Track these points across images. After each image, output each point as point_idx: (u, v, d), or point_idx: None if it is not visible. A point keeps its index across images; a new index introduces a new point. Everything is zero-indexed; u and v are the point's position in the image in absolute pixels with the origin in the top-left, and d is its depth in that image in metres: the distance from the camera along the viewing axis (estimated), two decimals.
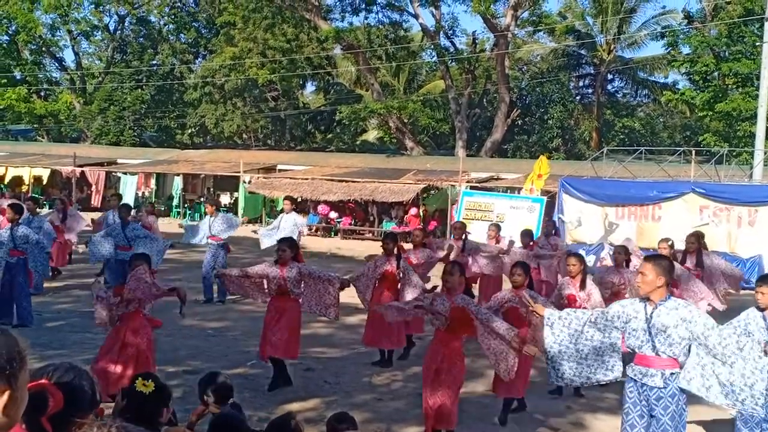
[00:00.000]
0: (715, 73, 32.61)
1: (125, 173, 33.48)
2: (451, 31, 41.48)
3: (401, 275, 9.96)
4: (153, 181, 33.53)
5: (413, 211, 27.91)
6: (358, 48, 37.78)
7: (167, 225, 25.77)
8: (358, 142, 46.58)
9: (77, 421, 2.20)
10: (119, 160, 35.99)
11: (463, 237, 12.29)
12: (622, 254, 10.26)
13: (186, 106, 45.87)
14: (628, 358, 5.74)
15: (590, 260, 19.17)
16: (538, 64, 46.50)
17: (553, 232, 14.49)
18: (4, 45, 45.16)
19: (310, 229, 28.65)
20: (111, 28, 47.77)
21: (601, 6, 40.65)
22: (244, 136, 47.54)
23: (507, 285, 10.25)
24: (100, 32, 47.75)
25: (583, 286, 8.65)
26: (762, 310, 6.54)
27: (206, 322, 12.25)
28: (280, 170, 32.72)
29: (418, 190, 27.74)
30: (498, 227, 13.37)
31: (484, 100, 44.83)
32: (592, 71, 43.64)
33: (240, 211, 30.46)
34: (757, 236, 18.70)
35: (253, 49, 41.30)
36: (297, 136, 47.96)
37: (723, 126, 33.15)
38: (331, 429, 4.93)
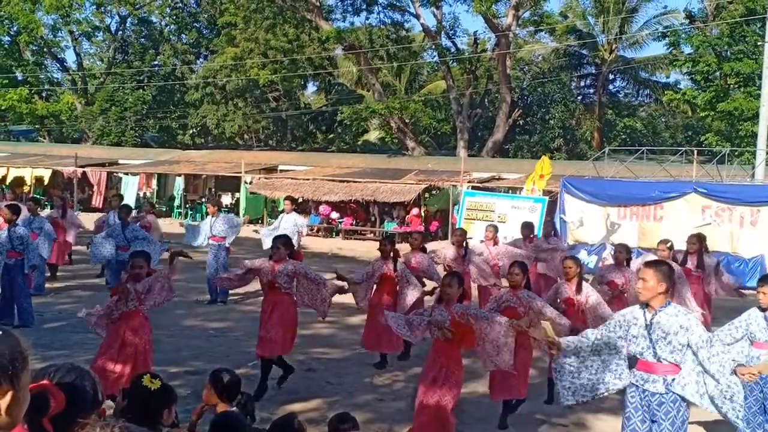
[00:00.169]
0: (717, 73, 32.59)
1: (127, 174, 33.49)
2: (452, 31, 41.50)
3: (399, 278, 9.97)
4: (154, 182, 33.53)
5: (415, 211, 27.89)
6: (359, 48, 37.78)
7: (168, 225, 25.78)
8: (359, 143, 46.59)
9: (80, 421, 2.20)
10: (121, 161, 35.99)
11: (464, 244, 12.24)
12: (623, 253, 10.25)
13: (187, 106, 45.88)
14: (630, 363, 5.73)
15: (592, 260, 19.20)
16: (539, 63, 46.49)
17: (553, 233, 14.47)
18: (6, 46, 45.18)
19: (311, 230, 28.64)
20: (112, 28, 47.82)
21: (603, 6, 40.63)
22: (246, 136, 47.56)
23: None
24: (101, 33, 47.74)
25: (579, 289, 8.60)
26: (764, 310, 6.53)
27: (208, 323, 12.26)
28: (281, 171, 32.71)
29: (419, 190, 27.73)
30: (495, 228, 13.31)
31: (486, 100, 44.82)
32: (594, 71, 43.63)
33: (241, 212, 30.45)
34: (759, 236, 18.68)
35: (254, 49, 41.30)
36: (298, 136, 47.96)
37: (725, 126, 33.13)
38: (333, 429, 4.92)
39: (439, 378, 6.71)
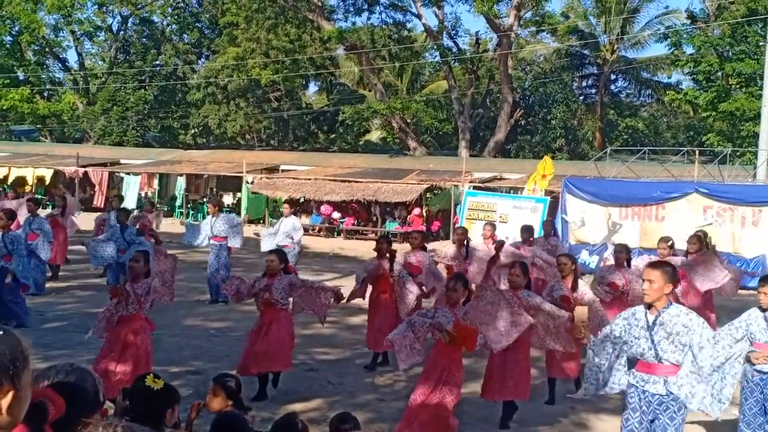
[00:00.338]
0: (719, 73, 32.55)
1: (128, 173, 33.51)
2: (454, 31, 41.49)
3: (396, 279, 9.97)
4: (156, 182, 33.55)
5: (416, 211, 27.89)
6: (361, 48, 37.79)
7: (170, 225, 25.80)
8: (361, 143, 46.58)
9: (83, 421, 2.21)
10: (122, 161, 36.01)
11: (466, 243, 12.22)
12: (624, 253, 10.24)
13: (189, 106, 45.90)
14: (629, 364, 5.72)
15: (594, 261, 19.19)
16: (541, 64, 46.47)
17: (552, 233, 14.47)
18: (8, 45, 45.18)
19: (312, 229, 28.67)
20: (114, 28, 47.80)
21: (604, 6, 40.61)
22: (247, 136, 47.56)
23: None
24: (103, 33, 47.76)
25: (575, 286, 8.62)
26: (764, 310, 6.52)
27: (209, 323, 12.27)
28: (283, 170, 32.71)
29: (421, 190, 27.72)
30: (493, 226, 13.30)
31: (487, 100, 44.79)
32: (596, 71, 43.61)
33: (243, 212, 30.46)
34: (761, 236, 18.66)
35: (256, 49, 41.30)
36: (300, 136, 47.96)
37: (726, 126, 33.10)
38: (334, 429, 4.92)
39: (441, 379, 6.71)
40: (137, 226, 14.74)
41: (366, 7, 39.61)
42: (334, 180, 29.28)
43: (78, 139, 45.96)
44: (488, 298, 6.96)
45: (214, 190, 36.35)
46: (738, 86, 32.01)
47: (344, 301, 9.52)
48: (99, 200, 31.92)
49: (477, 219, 21.64)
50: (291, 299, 8.74)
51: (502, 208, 22.12)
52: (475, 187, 25.50)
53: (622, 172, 22.99)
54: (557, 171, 23.35)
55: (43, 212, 16.82)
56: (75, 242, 17.54)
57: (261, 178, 30.99)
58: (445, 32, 39.65)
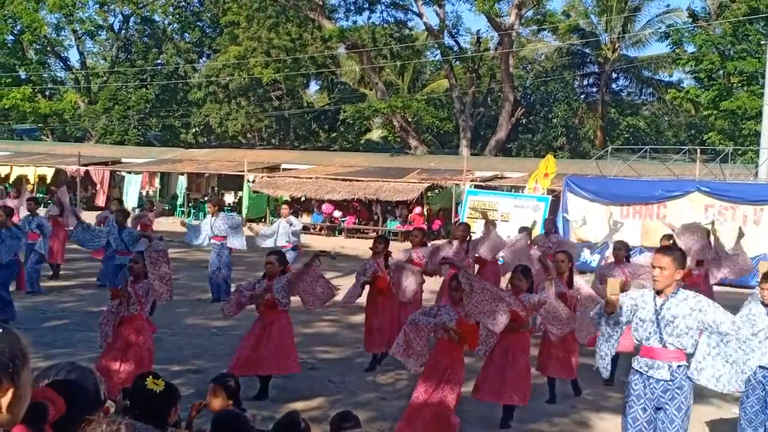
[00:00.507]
0: (720, 72, 32.54)
1: (129, 172, 33.53)
2: (455, 30, 41.54)
3: (392, 271, 9.97)
4: (157, 181, 33.57)
5: (417, 210, 27.89)
6: (362, 47, 37.78)
7: (171, 224, 25.82)
8: (362, 141, 46.59)
9: (86, 418, 2.21)
10: (123, 160, 36.03)
11: (467, 239, 12.23)
12: (623, 250, 10.25)
13: (190, 105, 45.92)
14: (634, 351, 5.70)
15: (595, 259, 19.18)
16: (542, 62, 46.45)
17: (554, 231, 14.47)
18: (9, 45, 45.22)
19: (314, 228, 28.67)
20: (115, 27, 47.84)
21: (606, 4, 40.59)
22: (249, 135, 47.58)
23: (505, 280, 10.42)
24: (104, 32, 47.81)
25: (570, 283, 8.65)
26: (766, 305, 6.51)
27: (210, 321, 12.26)
28: (284, 169, 32.73)
29: (422, 189, 27.72)
30: (494, 224, 13.35)
31: (489, 98, 44.78)
32: (597, 70, 43.60)
33: (244, 211, 30.48)
34: (762, 235, 18.66)
35: (257, 48, 41.31)
36: (301, 135, 47.97)
37: (728, 124, 33.09)
38: (335, 428, 4.92)
39: (443, 378, 6.70)
40: (138, 227, 14.71)
41: (367, 5, 39.63)
42: (335, 179, 29.28)
43: (79, 138, 46.00)
44: (476, 290, 6.92)
45: (216, 189, 36.38)
46: (739, 85, 32.00)
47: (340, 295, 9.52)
48: (100, 199, 31.93)
49: (478, 218, 21.63)
50: (291, 298, 8.70)
51: (503, 206, 22.13)
52: (476, 186, 25.51)
53: (624, 170, 22.99)
54: (558, 170, 23.37)
55: (42, 211, 16.79)
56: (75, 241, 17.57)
57: (262, 177, 31.00)
58: (446, 31, 39.66)
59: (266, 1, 39.80)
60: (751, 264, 11.96)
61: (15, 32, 44.73)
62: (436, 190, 30.00)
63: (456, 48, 41.48)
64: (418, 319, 6.90)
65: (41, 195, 31.49)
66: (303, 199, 30.14)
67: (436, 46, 40.04)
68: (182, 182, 32.99)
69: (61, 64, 49.29)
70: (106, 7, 45.63)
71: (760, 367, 6.45)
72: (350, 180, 29.01)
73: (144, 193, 32.74)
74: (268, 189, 29.74)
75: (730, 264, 11.35)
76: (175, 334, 11.07)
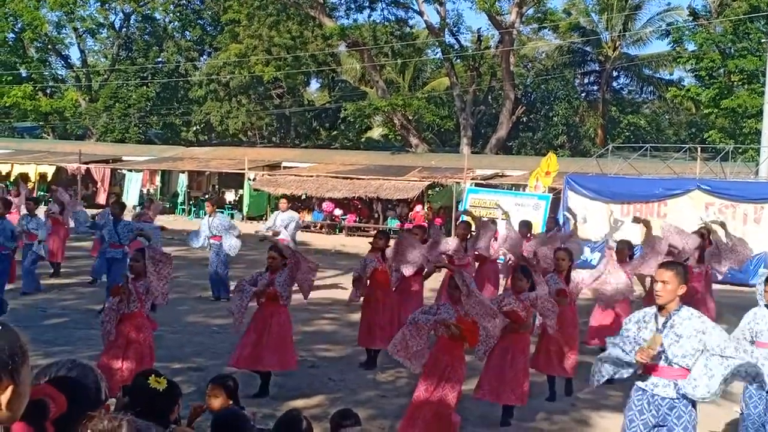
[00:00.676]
0: (721, 70, 32.51)
1: (130, 170, 33.53)
2: (455, 28, 41.50)
3: (391, 265, 10.02)
4: (158, 179, 33.59)
5: (418, 208, 27.90)
6: (362, 45, 37.77)
7: (172, 222, 25.84)
8: (362, 140, 46.58)
9: (88, 414, 2.21)
10: (124, 158, 36.04)
11: (467, 237, 12.23)
12: (626, 249, 10.26)
13: (191, 103, 45.92)
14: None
15: (595, 257, 19.18)
16: (543, 61, 46.43)
17: (555, 229, 14.47)
18: (10, 43, 45.22)
19: (314, 226, 28.69)
20: (116, 25, 47.82)
21: (606, 3, 40.56)
22: (249, 133, 47.58)
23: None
24: (105, 30, 47.79)
25: (568, 279, 8.70)
26: None
27: (211, 319, 12.27)
28: (284, 167, 32.74)
29: (422, 187, 27.73)
30: (494, 222, 13.38)
31: (489, 97, 44.77)
32: (597, 68, 43.57)
33: (245, 209, 30.50)
34: (762, 233, 18.66)
35: (258, 46, 41.31)
36: (302, 133, 47.97)
37: (729, 123, 33.06)
38: (335, 426, 4.93)
39: (443, 377, 6.70)
40: None
41: (368, 3, 39.64)
42: (336, 177, 29.29)
43: (80, 136, 46.02)
44: (473, 295, 6.94)
45: (216, 187, 36.40)
46: (740, 83, 31.97)
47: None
48: (101, 197, 31.95)
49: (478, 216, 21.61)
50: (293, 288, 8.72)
51: (504, 205, 22.07)
52: (476, 184, 25.52)
53: (624, 169, 22.99)
54: (559, 168, 23.36)
55: (41, 210, 16.80)
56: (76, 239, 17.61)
57: (263, 175, 31.01)
58: (446, 29, 39.63)
59: None
60: (751, 252, 12.04)
61: (16, 30, 44.73)
62: (437, 189, 30.00)
63: (457, 46, 41.48)
64: (417, 318, 6.90)
65: (42, 193, 31.55)
66: (304, 197, 30.15)
67: (437, 44, 40.02)
68: (183, 180, 33.00)
69: (62, 62, 49.32)
70: (107, 5, 45.62)
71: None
72: (351, 178, 29.02)
73: (145, 191, 32.75)
74: (269, 187, 29.75)
75: (731, 255, 11.39)
76: (175, 331, 11.08)
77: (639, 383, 5.39)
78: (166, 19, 48.08)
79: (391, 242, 10.55)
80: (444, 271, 11.18)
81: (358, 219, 29.41)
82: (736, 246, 11.43)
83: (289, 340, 8.59)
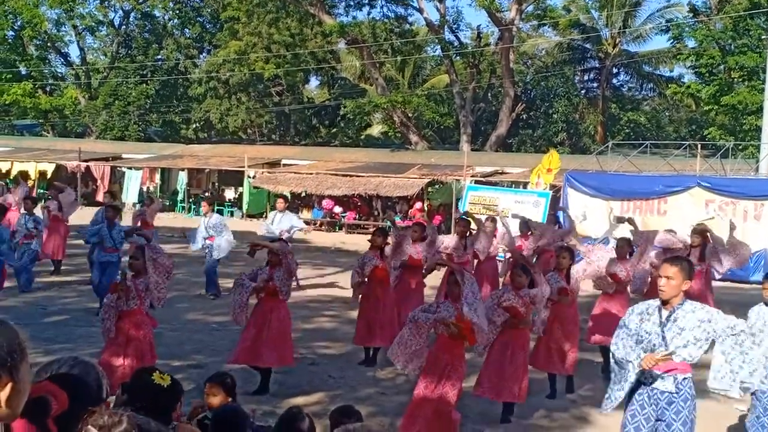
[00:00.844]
0: (721, 67, 32.49)
1: (130, 168, 33.53)
2: (455, 25, 41.46)
3: (389, 253, 10.04)
4: (158, 176, 33.58)
5: (418, 205, 27.90)
6: (362, 42, 37.74)
7: (172, 219, 25.83)
8: (362, 137, 46.57)
9: (89, 409, 2.21)
10: (124, 155, 36.04)
11: (467, 234, 12.23)
12: (626, 247, 10.27)
13: (191, 101, 45.90)
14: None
15: (594, 248, 19.15)
16: (542, 58, 46.39)
17: (556, 226, 14.47)
18: (10, 40, 45.18)
19: (314, 224, 28.69)
20: (116, 23, 47.78)
21: None
22: (249, 130, 47.57)
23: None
24: (105, 27, 47.74)
25: (568, 278, 8.72)
26: None
27: (210, 317, 12.28)
28: (284, 165, 32.73)
29: (422, 184, 27.73)
30: (494, 220, 13.40)
31: (489, 94, 44.74)
32: (597, 65, 43.53)
33: (244, 206, 30.50)
34: (763, 230, 18.65)
35: (257, 43, 41.28)
36: (301, 130, 47.96)
37: (729, 119, 33.05)
38: (336, 423, 4.91)
39: (444, 375, 6.70)
40: (138, 223, 14.69)
41: (367, 1, 39.58)
42: (336, 174, 29.29)
43: (80, 133, 45.99)
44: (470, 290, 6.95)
45: (216, 184, 36.39)
46: (740, 80, 31.96)
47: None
48: (101, 195, 31.93)
49: (478, 213, 21.63)
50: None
51: (503, 202, 22.09)
52: (476, 182, 25.51)
53: (624, 166, 22.99)
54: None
55: (39, 207, 16.77)
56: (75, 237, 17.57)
57: (263, 172, 31.00)
58: (446, 26, 39.59)
59: None
60: (750, 252, 12.05)
61: (15, 28, 44.69)
62: (437, 186, 29.99)
63: (456, 43, 41.44)
64: (417, 317, 6.90)
65: (42, 191, 31.56)
66: (303, 194, 30.14)
67: (437, 41, 40.00)
68: (183, 178, 33.00)
69: (62, 59, 49.28)
70: (106, 2, 45.64)
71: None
72: (351, 175, 29.02)
73: (145, 189, 32.75)
74: (269, 185, 29.74)
75: (730, 255, 11.40)
76: (175, 329, 11.08)
77: (639, 377, 5.38)
78: (166, 17, 48.06)
79: (390, 239, 10.56)
80: (444, 268, 11.18)
81: (357, 216, 29.41)
82: (736, 247, 11.43)
83: (289, 335, 8.61)
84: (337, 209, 29.25)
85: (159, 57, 46.63)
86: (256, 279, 8.43)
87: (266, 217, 29.53)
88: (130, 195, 31.92)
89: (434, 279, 12.47)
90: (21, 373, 1.87)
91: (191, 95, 45.51)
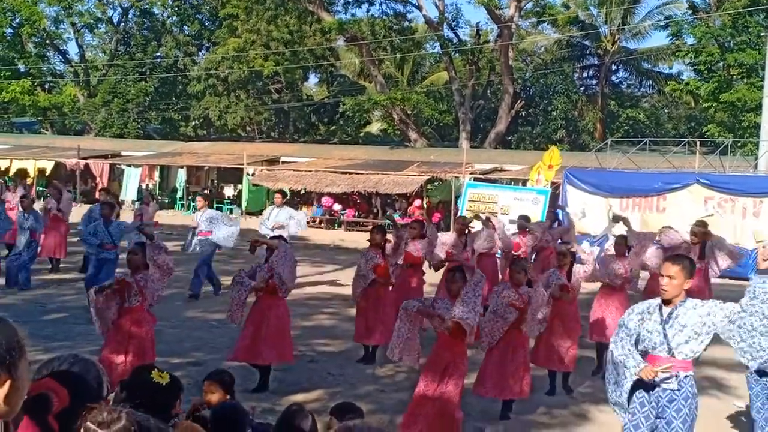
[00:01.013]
0: (720, 64, 32.48)
1: (129, 166, 33.50)
2: (454, 22, 41.43)
3: (389, 252, 10.04)
4: (157, 174, 33.54)
5: (417, 203, 27.89)
6: (361, 40, 37.71)
7: (171, 217, 25.83)
8: (361, 134, 46.55)
9: (87, 406, 2.22)
10: (123, 153, 36.01)
11: (466, 232, 12.24)
12: (623, 244, 10.29)
13: (190, 98, 45.86)
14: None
15: (595, 251, 19.17)
16: (541, 55, 46.37)
17: (556, 224, 14.48)
18: (8, 38, 45.12)
19: (313, 221, 28.68)
20: (115, 20, 47.74)
21: None
22: (248, 128, 47.53)
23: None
24: (103, 25, 47.69)
25: (569, 277, 8.73)
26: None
27: (210, 314, 12.28)
28: (283, 162, 32.70)
29: (421, 181, 27.71)
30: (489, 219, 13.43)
31: (488, 91, 44.73)
32: (596, 62, 43.50)
33: (243, 204, 30.48)
34: (762, 227, 18.64)
35: (256, 41, 41.24)
36: (300, 128, 47.93)
37: (728, 117, 33.03)
38: (339, 419, 4.91)
39: (446, 373, 6.70)
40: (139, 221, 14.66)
41: None
42: (335, 172, 29.27)
43: (79, 131, 45.95)
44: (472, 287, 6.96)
45: (215, 182, 36.37)
46: (739, 77, 31.95)
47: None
48: (100, 193, 31.91)
49: (478, 211, 21.63)
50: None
51: (503, 199, 22.10)
52: (475, 179, 25.48)
53: (623, 163, 22.98)
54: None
55: (38, 204, 16.78)
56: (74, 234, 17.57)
57: (262, 170, 30.98)
58: (445, 23, 39.56)
59: None
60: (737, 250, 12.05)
61: (14, 25, 44.62)
62: (436, 183, 29.97)
63: (455, 40, 41.41)
64: (406, 305, 6.92)
65: (41, 188, 31.56)
66: (303, 192, 30.13)
67: (436, 38, 39.96)
68: (182, 175, 32.98)
69: (60, 57, 49.21)
70: (104, 0, 45.56)
71: None
72: (350, 173, 28.99)
73: (144, 187, 32.74)
74: (268, 182, 29.72)
75: (724, 252, 11.38)
76: (174, 326, 11.09)
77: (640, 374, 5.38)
78: (165, 14, 48.00)
79: (389, 236, 10.57)
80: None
81: (357, 214, 29.41)
82: (723, 245, 11.43)
83: (288, 333, 8.61)
84: (336, 207, 29.25)
85: (158, 54, 46.58)
86: (255, 276, 8.42)
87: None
88: (129, 192, 31.91)
89: (434, 277, 12.47)
90: (20, 371, 1.87)
91: (190, 92, 45.47)
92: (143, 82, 44.47)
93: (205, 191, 31.45)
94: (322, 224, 28.96)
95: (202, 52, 48.51)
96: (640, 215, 19.96)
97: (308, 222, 28.35)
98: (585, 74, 45.80)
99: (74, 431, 2.17)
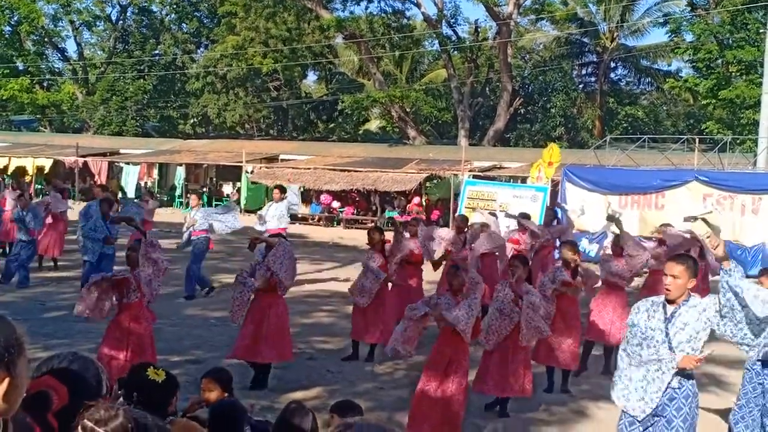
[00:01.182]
0: (719, 61, 32.49)
1: (128, 163, 33.49)
2: (453, 20, 41.41)
3: (390, 252, 10.05)
4: (155, 172, 33.54)
5: (416, 200, 27.90)
6: (360, 37, 37.69)
7: (170, 214, 25.82)
8: (360, 132, 46.53)
9: (85, 403, 2.22)
10: (122, 151, 36.01)
11: (465, 230, 12.24)
12: (618, 245, 10.29)
13: (188, 96, 45.84)
14: None
15: (593, 249, 19.20)
16: (540, 52, 46.34)
17: (555, 222, 14.47)
18: (7, 35, 45.09)
19: (312, 219, 28.69)
20: (113, 18, 47.71)
21: None
22: (247, 125, 47.50)
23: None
24: (102, 22, 47.68)
25: (575, 273, 8.70)
26: None
27: (209, 312, 12.28)
28: (282, 160, 32.71)
29: (420, 179, 27.72)
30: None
31: (487, 88, 44.71)
32: (595, 59, 43.49)
33: (242, 201, 30.47)
34: (760, 224, 18.68)
35: (255, 38, 41.22)
36: (299, 125, 47.91)
37: (726, 114, 33.06)
38: (339, 416, 4.91)
39: (449, 371, 6.69)
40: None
41: None
42: (334, 169, 29.26)
43: (77, 129, 45.93)
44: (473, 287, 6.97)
45: (214, 179, 36.36)
46: (738, 74, 31.96)
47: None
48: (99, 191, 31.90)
49: (477, 208, 21.63)
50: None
51: (501, 197, 22.10)
52: (474, 176, 25.49)
53: (622, 160, 23.00)
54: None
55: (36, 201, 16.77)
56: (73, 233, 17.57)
57: (260, 167, 30.98)
58: (444, 21, 39.55)
59: None
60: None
61: (12, 23, 44.58)
62: (435, 181, 29.98)
63: (454, 38, 41.40)
64: (410, 314, 6.89)
65: (39, 186, 31.56)
66: (301, 189, 30.11)
67: (435, 35, 39.95)
68: (180, 173, 32.97)
69: (59, 55, 49.18)
70: None
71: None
72: (348, 170, 29.00)
73: (142, 184, 32.72)
74: (267, 180, 29.71)
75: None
76: (174, 324, 11.09)
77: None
78: (163, 12, 47.95)
79: (388, 235, 10.59)
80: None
81: (355, 211, 29.41)
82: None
83: (287, 331, 8.61)
84: (335, 204, 29.25)
85: (156, 52, 46.56)
86: (255, 274, 8.42)
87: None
88: (127, 190, 31.90)
89: (434, 275, 12.47)
90: (18, 369, 1.87)
91: (189, 90, 45.45)
92: (142, 80, 44.45)
93: (203, 189, 31.47)
94: (321, 222, 28.97)
95: (201, 49, 48.49)
96: (638, 212, 19.96)
97: (308, 219, 28.43)
98: (584, 71, 45.77)
99: (73, 429, 2.18)
